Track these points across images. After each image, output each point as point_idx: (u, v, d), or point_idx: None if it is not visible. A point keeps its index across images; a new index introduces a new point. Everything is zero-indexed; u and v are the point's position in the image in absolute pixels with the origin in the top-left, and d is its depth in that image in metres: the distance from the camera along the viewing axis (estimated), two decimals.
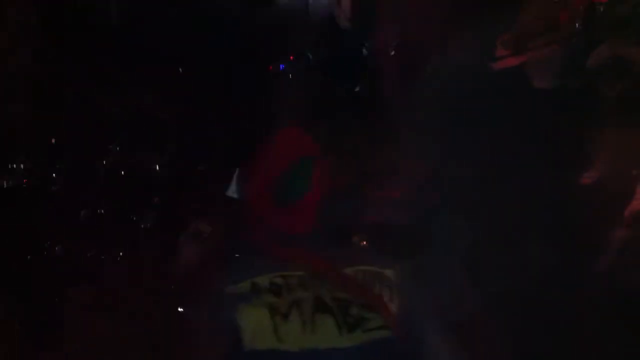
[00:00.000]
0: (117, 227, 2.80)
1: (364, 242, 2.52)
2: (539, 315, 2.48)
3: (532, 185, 2.50)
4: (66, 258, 2.72)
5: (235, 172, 2.23)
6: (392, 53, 2.87)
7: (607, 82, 2.48)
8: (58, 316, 2.61)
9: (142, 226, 2.78)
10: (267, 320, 1.92)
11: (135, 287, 2.61)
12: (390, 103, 2.82)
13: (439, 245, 2.50)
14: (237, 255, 2.11)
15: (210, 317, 2.00)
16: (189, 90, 2.90)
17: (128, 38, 3.01)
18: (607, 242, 2.44)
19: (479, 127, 2.55)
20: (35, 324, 2.60)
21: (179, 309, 2.24)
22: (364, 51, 2.91)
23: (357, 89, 2.96)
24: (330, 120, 2.70)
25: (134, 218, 2.78)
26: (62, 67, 2.95)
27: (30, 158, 2.80)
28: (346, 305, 1.96)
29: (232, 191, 2.24)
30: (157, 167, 2.82)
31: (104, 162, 2.79)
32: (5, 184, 2.75)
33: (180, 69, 2.90)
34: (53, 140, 2.79)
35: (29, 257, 2.68)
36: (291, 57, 2.95)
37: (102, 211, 2.76)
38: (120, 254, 2.71)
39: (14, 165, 2.76)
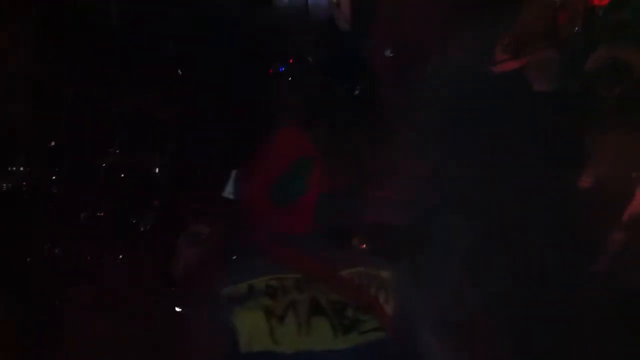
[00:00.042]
0: (115, 228, 2.80)
1: (364, 245, 2.52)
2: (537, 316, 2.48)
3: (531, 187, 2.51)
4: (64, 259, 2.72)
5: (232, 173, 2.23)
6: (391, 55, 2.87)
7: (606, 84, 2.48)
8: (57, 317, 2.62)
9: (141, 227, 2.78)
10: (263, 322, 1.92)
11: (133, 288, 2.61)
12: (389, 104, 2.82)
13: (437, 245, 2.50)
14: (234, 257, 2.11)
15: (207, 319, 2.00)
16: (187, 90, 2.91)
17: (128, 38, 3.01)
18: (606, 243, 2.45)
19: (478, 129, 2.55)
20: (34, 325, 2.61)
21: (177, 310, 2.25)
22: (363, 53, 2.92)
23: (356, 91, 2.95)
24: (329, 121, 2.71)
25: (133, 219, 2.78)
26: (62, 67, 2.94)
27: (30, 158, 2.80)
28: (342, 307, 1.96)
29: (228, 192, 2.24)
30: (156, 168, 2.82)
31: (103, 162, 2.79)
32: (4, 186, 2.75)
33: (180, 70, 2.90)
34: (53, 141, 2.79)
35: (27, 257, 2.68)
36: (291, 60, 2.95)
37: (101, 212, 2.77)
38: (119, 255, 2.71)
39: (14, 167, 2.76)
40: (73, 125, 2.90)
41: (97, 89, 2.96)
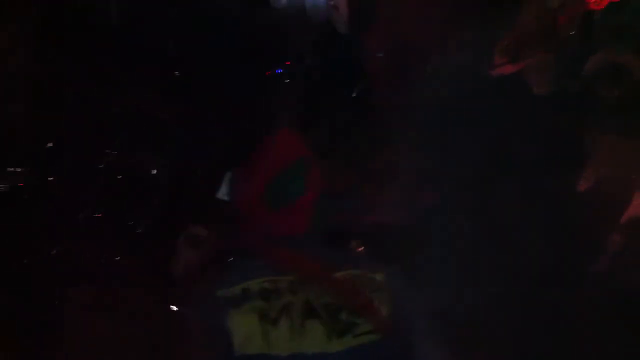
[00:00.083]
0: (114, 229, 2.80)
1: (361, 248, 2.53)
2: (535, 317, 2.49)
3: (529, 189, 2.51)
4: (62, 259, 2.73)
5: (226, 174, 2.23)
6: (388, 57, 2.87)
7: (604, 88, 2.48)
8: (54, 316, 2.62)
9: (139, 228, 2.79)
10: (257, 325, 1.93)
11: (131, 288, 2.62)
12: (387, 106, 2.82)
13: (434, 246, 2.50)
14: (230, 259, 2.11)
15: (202, 321, 2.01)
16: (185, 91, 2.90)
17: (128, 38, 3.01)
18: (605, 244, 2.45)
19: (476, 130, 2.55)
20: (31, 324, 2.62)
21: (174, 311, 2.25)
22: (361, 54, 2.91)
23: (354, 92, 2.95)
24: (327, 122, 2.71)
25: (131, 219, 2.78)
26: (61, 67, 2.94)
27: (29, 158, 2.80)
28: (336, 310, 1.96)
29: (222, 194, 2.24)
30: (154, 169, 2.82)
31: (101, 163, 2.80)
32: (3, 186, 2.75)
33: (177, 72, 2.90)
34: (52, 141, 2.79)
35: (25, 257, 2.69)
36: (288, 62, 2.95)
37: (99, 213, 2.77)
38: (117, 255, 2.72)
39: (13, 168, 2.76)
40: (72, 125, 2.90)
41: (96, 89, 2.96)
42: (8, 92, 2.86)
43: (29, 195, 2.80)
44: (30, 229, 2.74)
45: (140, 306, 2.62)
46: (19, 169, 2.80)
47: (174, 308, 2.30)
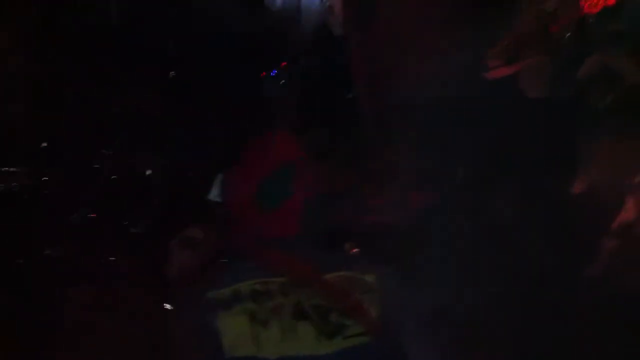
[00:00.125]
0: (109, 230, 2.81)
1: (355, 250, 2.53)
2: (534, 317, 2.49)
3: (522, 194, 2.51)
4: (57, 259, 2.74)
5: (217, 176, 2.24)
6: (385, 57, 2.87)
7: (598, 92, 2.48)
8: (48, 317, 2.63)
9: (135, 229, 2.79)
10: (247, 327, 1.94)
11: (125, 290, 2.62)
12: (381, 109, 2.82)
13: (426, 249, 2.50)
14: (222, 261, 2.12)
15: (192, 323, 2.01)
16: (179, 93, 2.91)
17: (128, 38, 3.02)
18: (598, 250, 2.44)
19: (469, 134, 2.55)
20: (27, 325, 2.63)
21: (166, 313, 2.25)
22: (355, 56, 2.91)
23: (349, 94, 2.96)
24: (321, 124, 2.71)
25: (126, 221, 2.79)
26: (61, 67, 2.96)
27: (28, 159, 2.81)
28: (326, 312, 1.97)
29: (213, 195, 2.25)
30: (149, 170, 2.83)
31: (96, 163, 2.81)
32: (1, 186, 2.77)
33: (172, 72, 2.90)
34: (46, 142, 2.80)
35: (20, 258, 2.70)
36: (283, 64, 2.95)
37: (92, 213, 2.78)
38: (111, 256, 2.73)
39: (11, 168, 2.77)
40: (71, 125, 2.91)
41: (96, 88, 2.97)
42: (7, 92, 2.87)
43: (26, 195, 2.81)
44: (26, 229, 2.75)
45: (132, 308, 2.63)
46: (16, 169, 2.81)
47: (167, 308, 2.30)
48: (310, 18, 3.04)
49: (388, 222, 2.67)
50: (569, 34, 2.56)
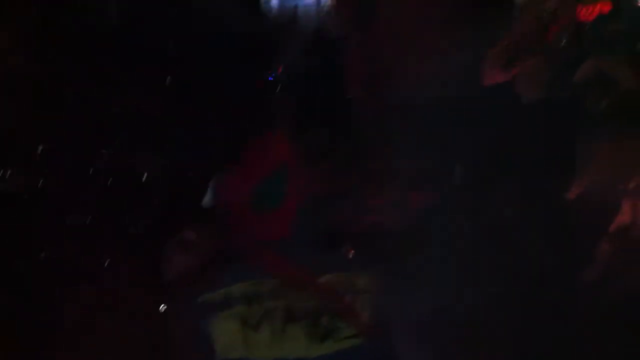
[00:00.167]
0: (103, 234, 2.82)
1: (352, 252, 2.53)
2: (534, 317, 2.49)
3: (517, 197, 2.50)
4: (51, 261, 2.75)
5: (211, 182, 2.24)
6: (385, 59, 2.87)
7: (593, 96, 2.47)
8: (42, 318, 2.65)
9: (132, 231, 2.79)
10: (239, 330, 1.95)
11: (122, 291, 2.63)
12: (381, 109, 2.82)
13: (420, 252, 2.51)
14: (215, 263, 2.13)
15: (186, 326, 2.03)
16: (177, 94, 2.91)
17: (128, 38, 3.02)
18: (594, 253, 2.44)
19: (466, 138, 2.55)
20: (23, 325, 2.64)
21: (160, 315, 2.27)
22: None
23: (347, 98, 2.95)
24: (319, 128, 2.71)
25: (120, 225, 2.79)
26: (61, 67, 2.96)
27: (26, 159, 2.82)
28: (317, 315, 1.98)
29: (206, 202, 2.25)
30: (143, 171, 2.82)
31: (94, 164, 2.81)
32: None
33: (169, 77, 2.90)
34: (46, 143, 2.80)
35: (17, 258, 2.72)
36: (280, 69, 2.94)
37: (87, 215, 2.79)
38: (108, 258, 2.73)
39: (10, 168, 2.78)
40: (71, 126, 2.92)
41: (96, 89, 2.97)
42: (7, 92, 2.88)
43: (25, 195, 2.82)
44: (25, 229, 2.76)
45: (135, 307, 2.63)
46: (15, 169, 2.82)
47: (163, 310, 2.31)
48: (307, 20, 3.03)
49: (387, 222, 2.67)
50: (565, 39, 2.56)
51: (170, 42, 2.94)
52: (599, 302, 2.42)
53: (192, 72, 2.89)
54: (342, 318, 1.97)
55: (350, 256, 2.46)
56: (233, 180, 2.20)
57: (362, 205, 2.67)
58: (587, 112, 2.51)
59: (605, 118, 2.47)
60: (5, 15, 2.93)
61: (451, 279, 2.52)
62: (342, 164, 2.70)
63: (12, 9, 2.95)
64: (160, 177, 2.86)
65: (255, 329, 1.95)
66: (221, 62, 2.86)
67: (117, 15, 3.12)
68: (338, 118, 2.86)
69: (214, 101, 2.86)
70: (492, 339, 2.46)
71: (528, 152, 2.54)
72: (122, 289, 2.68)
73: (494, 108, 2.57)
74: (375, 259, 2.45)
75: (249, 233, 2.12)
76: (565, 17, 2.57)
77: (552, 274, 2.51)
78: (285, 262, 2.05)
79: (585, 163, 2.49)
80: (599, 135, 2.48)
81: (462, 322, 2.48)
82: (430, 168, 2.75)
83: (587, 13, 2.50)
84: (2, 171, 2.81)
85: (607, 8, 2.47)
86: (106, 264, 2.70)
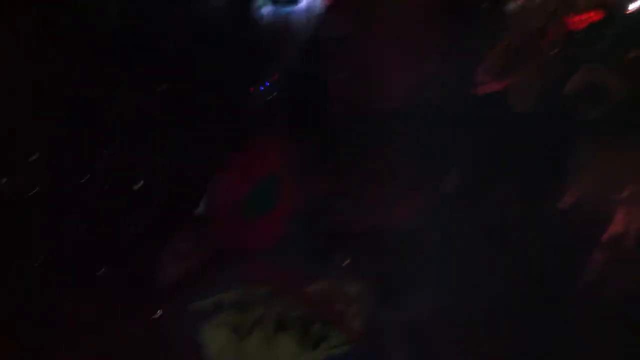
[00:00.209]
0: (96, 239, 2.83)
1: (347, 260, 2.54)
2: (534, 317, 2.50)
3: (509, 209, 2.51)
4: (53, 261, 2.77)
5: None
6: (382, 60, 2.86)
7: (584, 107, 2.47)
8: (43, 317, 2.67)
9: (120, 242, 2.80)
10: (230, 338, 1.97)
11: (112, 300, 2.64)
12: (378, 111, 2.82)
13: (411, 260, 2.51)
14: (206, 270, 2.14)
15: (177, 334, 2.05)
16: (168, 101, 2.92)
17: (128, 38, 3.03)
18: (586, 264, 2.44)
19: (457, 149, 2.55)
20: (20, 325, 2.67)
21: (154, 319, 2.28)
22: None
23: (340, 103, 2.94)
24: (313, 134, 2.71)
25: (124, 223, 2.80)
26: (61, 67, 2.97)
27: (26, 159, 2.84)
28: (308, 322, 2.00)
29: (199, 210, 2.26)
30: (139, 173, 2.83)
31: (91, 165, 2.82)
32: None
33: (164, 84, 2.91)
34: (45, 142, 2.82)
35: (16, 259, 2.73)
36: (275, 76, 2.94)
37: (88, 217, 2.80)
38: (105, 260, 2.75)
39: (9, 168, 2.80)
40: (71, 126, 2.93)
41: (96, 89, 2.98)
42: (7, 92, 2.89)
43: (25, 195, 2.83)
44: (24, 229, 2.78)
45: (118, 317, 2.64)
46: (15, 169, 2.84)
47: (156, 316, 2.32)
48: (300, 29, 3.02)
49: (387, 223, 2.67)
50: (557, 50, 2.56)
51: (170, 42, 2.94)
52: (599, 302, 2.43)
53: (189, 74, 2.89)
54: (334, 326, 1.98)
55: (345, 265, 2.47)
56: (223, 186, 2.21)
57: (362, 206, 2.68)
58: (579, 122, 2.51)
59: (597, 128, 2.47)
60: (5, 15, 2.94)
61: (451, 279, 2.53)
62: (339, 166, 2.70)
63: (12, 9, 2.95)
64: (161, 177, 2.87)
65: (246, 336, 1.97)
66: (212, 73, 2.86)
67: (117, 15, 3.11)
68: (331, 123, 2.86)
69: (209, 104, 2.87)
70: (492, 339, 2.47)
71: (521, 159, 2.54)
72: (122, 290, 2.70)
73: (484, 117, 2.57)
74: (373, 260, 2.46)
75: (240, 239, 2.13)
76: (555, 29, 2.56)
77: (552, 274, 2.51)
78: (276, 269, 2.06)
79: (577, 173, 2.49)
80: (591, 145, 2.48)
81: (462, 322, 2.49)
82: (426, 169, 2.76)
83: (578, 22, 2.50)
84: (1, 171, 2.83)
85: (598, 16, 2.47)
86: (106, 264, 2.72)
